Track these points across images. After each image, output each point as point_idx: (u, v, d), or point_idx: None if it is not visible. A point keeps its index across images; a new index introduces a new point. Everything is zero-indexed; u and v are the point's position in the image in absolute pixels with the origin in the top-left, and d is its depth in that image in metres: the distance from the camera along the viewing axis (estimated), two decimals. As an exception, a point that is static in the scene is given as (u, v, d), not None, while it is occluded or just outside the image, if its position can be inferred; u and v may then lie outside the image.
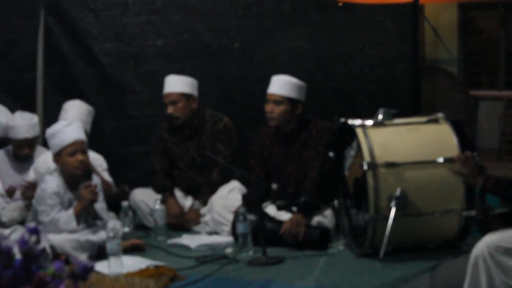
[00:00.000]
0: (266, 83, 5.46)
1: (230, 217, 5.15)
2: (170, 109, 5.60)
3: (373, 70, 7.09)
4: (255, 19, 6.65)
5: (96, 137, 5.59)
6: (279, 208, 5.08)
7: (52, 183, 4.70)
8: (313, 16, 6.86)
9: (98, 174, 5.31)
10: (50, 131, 4.77)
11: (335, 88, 6.92)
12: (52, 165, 4.86)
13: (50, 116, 5.81)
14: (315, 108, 5.90)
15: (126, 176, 5.78)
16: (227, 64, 6.54)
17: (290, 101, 5.15)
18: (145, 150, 6.28)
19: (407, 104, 7.01)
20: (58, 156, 4.71)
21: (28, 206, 5.02)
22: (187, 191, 5.69)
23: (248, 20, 6.62)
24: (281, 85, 5.18)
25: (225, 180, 5.53)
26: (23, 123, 5.42)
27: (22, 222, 5.00)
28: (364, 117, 4.72)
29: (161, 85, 6.29)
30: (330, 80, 6.91)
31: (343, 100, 6.93)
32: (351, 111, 6.64)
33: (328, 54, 6.91)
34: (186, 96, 5.61)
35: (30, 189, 5.18)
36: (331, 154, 4.92)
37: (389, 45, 7.07)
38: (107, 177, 5.47)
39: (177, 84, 5.63)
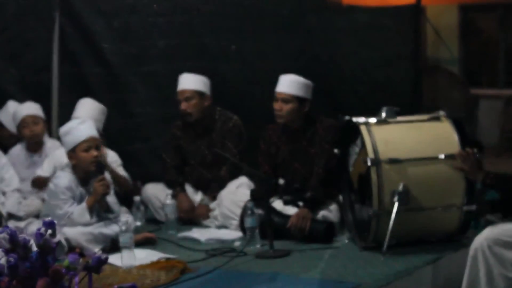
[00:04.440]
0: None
1: (239, 211, 5.24)
2: (183, 106, 5.66)
3: (375, 70, 7.15)
4: (253, 21, 6.65)
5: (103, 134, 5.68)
6: (286, 202, 5.14)
7: (64, 179, 4.81)
8: (313, 19, 6.89)
9: (114, 171, 5.42)
10: (64, 128, 4.87)
11: (336, 89, 6.94)
12: (65, 160, 4.96)
13: (65, 114, 5.89)
14: (320, 108, 5.97)
15: (129, 172, 5.84)
16: (224, 65, 6.58)
17: (297, 99, 5.21)
18: (147, 147, 6.36)
19: (408, 102, 7.06)
20: (72, 153, 4.81)
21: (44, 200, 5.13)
22: (197, 187, 5.77)
23: (246, 22, 6.63)
24: (289, 84, 5.25)
25: (233, 176, 5.61)
26: (23, 105, 5.61)
27: (37, 216, 5.12)
28: (366, 115, 4.77)
29: (162, 84, 6.38)
30: (329, 81, 6.93)
31: (343, 101, 6.95)
32: (353, 111, 6.70)
33: (328, 56, 6.94)
34: (199, 94, 5.68)
35: (40, 181, 5.32)
36: (336, 150, 4.97)
37: (391, 45, 7.13)
38: (122, 172, 5.59)
39: (191, 81, 5.70)
